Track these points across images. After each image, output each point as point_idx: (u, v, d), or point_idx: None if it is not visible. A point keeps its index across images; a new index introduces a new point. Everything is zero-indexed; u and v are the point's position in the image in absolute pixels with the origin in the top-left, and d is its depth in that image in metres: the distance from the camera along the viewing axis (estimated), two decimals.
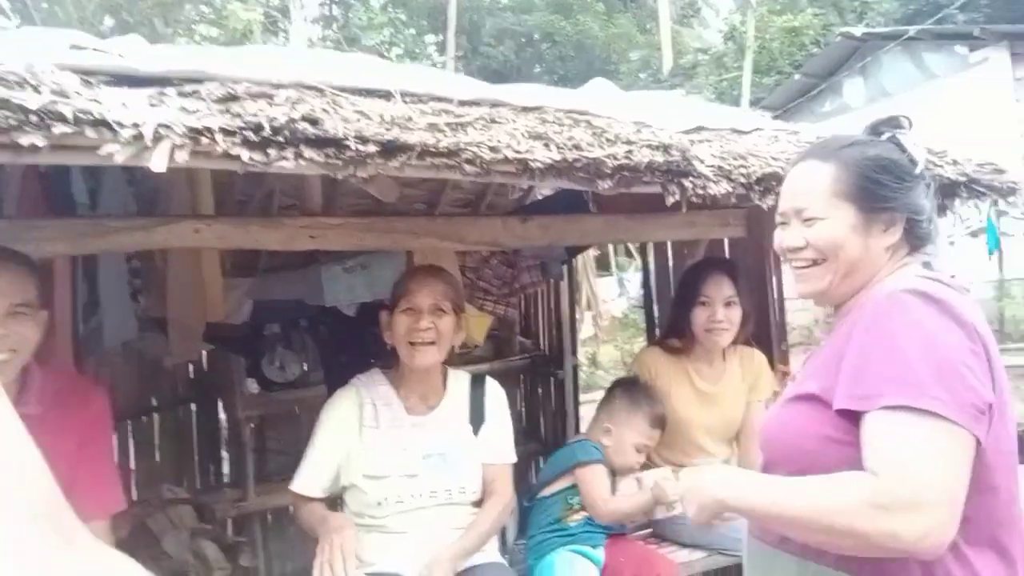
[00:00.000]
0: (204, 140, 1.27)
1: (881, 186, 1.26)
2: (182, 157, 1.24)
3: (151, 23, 15.77)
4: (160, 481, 3.85)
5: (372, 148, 1.41)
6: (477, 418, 2.16)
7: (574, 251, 3.91)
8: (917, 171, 1.29)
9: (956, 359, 1.10)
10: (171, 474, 3.97)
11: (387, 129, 1.47)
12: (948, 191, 2.26)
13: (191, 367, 3.98)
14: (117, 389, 3.88)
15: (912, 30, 10.72)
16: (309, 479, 2.04)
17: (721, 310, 2.50)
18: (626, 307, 13.90)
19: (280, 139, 1.33)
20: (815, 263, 1.30)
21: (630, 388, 2.51)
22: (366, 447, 2.02)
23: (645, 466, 2.68)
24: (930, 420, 1.06)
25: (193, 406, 4.09)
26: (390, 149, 1.43)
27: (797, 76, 13.06)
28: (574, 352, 4.60)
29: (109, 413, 1.84)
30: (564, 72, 21.72)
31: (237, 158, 1.29)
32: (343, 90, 1.66)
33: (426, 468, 2.02)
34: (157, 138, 1.24)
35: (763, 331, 2.95)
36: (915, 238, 1.31)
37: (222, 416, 4.01)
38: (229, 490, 3.81)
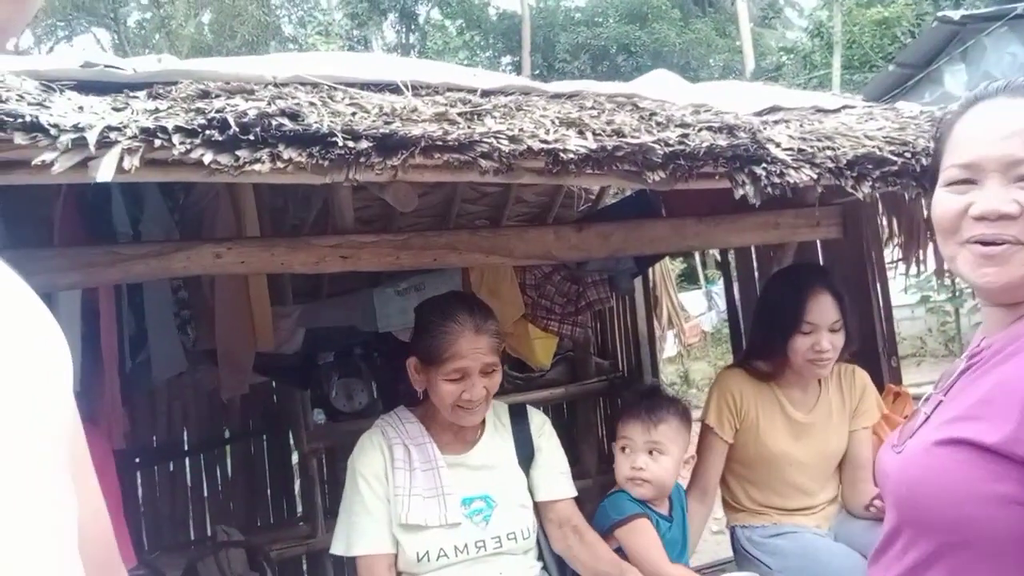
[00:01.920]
0: (158, 142, 1.07)
1: None
2: (132, 164, 1.04)
3: None
4: (227, 515, 3.80)
5: (365, 144, 1.17)
6: (525, 453, 1.90)
7: (645, 262, 3.58)
8: None
9: None
10: (243, 507, 3.92)
11: (386, 122, 1.23)
12: None
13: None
14: (188, 422, 3.91)
15: (1020, 7, 9.81)
16: (376, 535, 1.74)
17: (827, 337, 2.09)
18: (716, 322, 13.31)
19: (251, 137, 1.11)
20: (1020, 242, 0.93)
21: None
22: (399, 493, 1.76)
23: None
24: None
25: (265, 438, 4.05)
26: (387, 145, 1.19)
27: (891, 67, 12.20)
28: (655, 372, 4.26)
29: (110, 461, 1.68)
30: None
31: (200, 163, 1.08)
32: (348, 84, 1.45)
33: (468, 515, 1.78)
34: (105, 143, 1.05)
35: (868, 345, 2.55)
36: None
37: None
38: (302, 524, 3.71)
